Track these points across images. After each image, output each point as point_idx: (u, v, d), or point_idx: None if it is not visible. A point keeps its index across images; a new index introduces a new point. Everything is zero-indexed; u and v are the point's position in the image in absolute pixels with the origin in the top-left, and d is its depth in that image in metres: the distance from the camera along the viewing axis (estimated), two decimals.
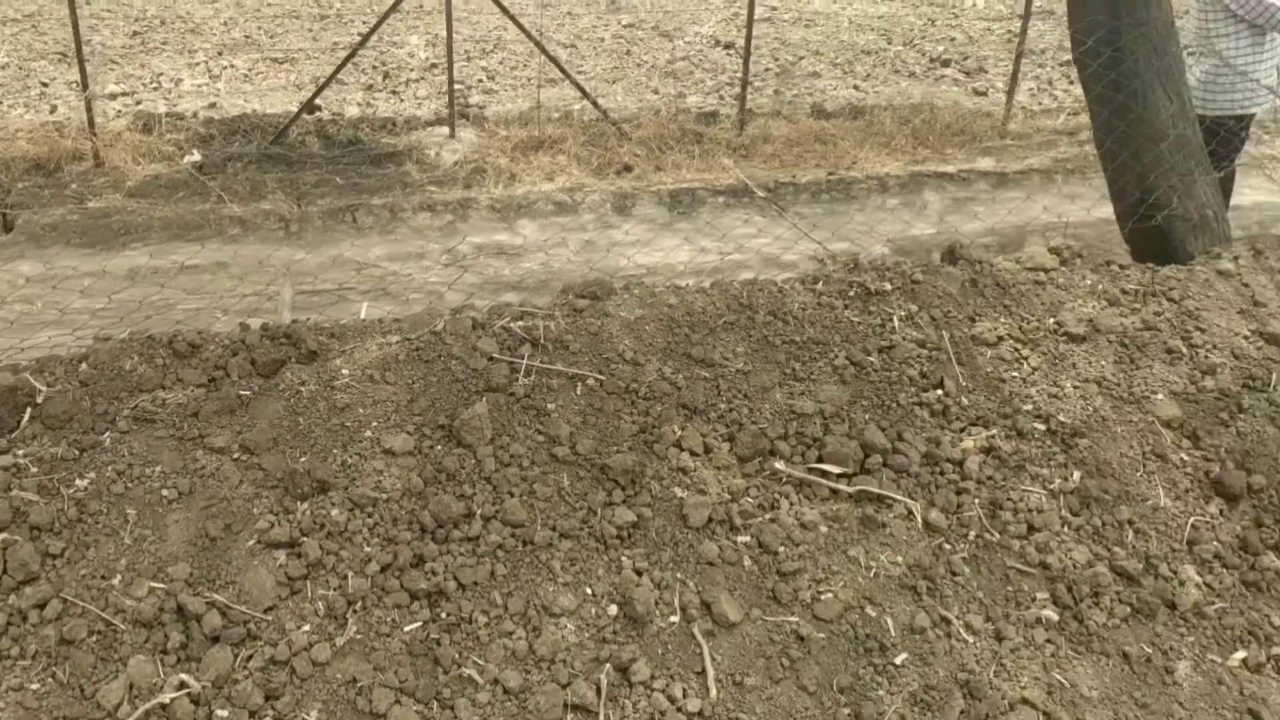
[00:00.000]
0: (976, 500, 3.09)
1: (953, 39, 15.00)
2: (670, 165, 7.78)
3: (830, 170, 7.66)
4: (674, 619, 2.67)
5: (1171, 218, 4.13)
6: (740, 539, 2.86)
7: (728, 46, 13.24)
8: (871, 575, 2.85)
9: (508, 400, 3.03)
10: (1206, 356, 3.59)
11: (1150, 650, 2.86)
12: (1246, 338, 3.69)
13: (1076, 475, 3.21)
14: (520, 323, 3.27)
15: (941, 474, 3.14)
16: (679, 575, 2.76)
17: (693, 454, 3.03)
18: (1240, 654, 2.93)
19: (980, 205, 7.08)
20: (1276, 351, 3.66)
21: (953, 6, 19.26)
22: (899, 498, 3.02)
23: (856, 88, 11.46)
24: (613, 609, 2.66)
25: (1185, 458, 3.34)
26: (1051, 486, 3.17)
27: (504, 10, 8.22)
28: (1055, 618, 2.87)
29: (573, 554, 2.75)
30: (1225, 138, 4.73)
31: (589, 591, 2.70)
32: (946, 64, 12.82)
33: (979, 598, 2.88)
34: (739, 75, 11.27)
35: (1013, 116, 8.79)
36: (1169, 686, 2.81)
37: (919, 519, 2.99)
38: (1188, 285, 3.84)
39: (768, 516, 2.94)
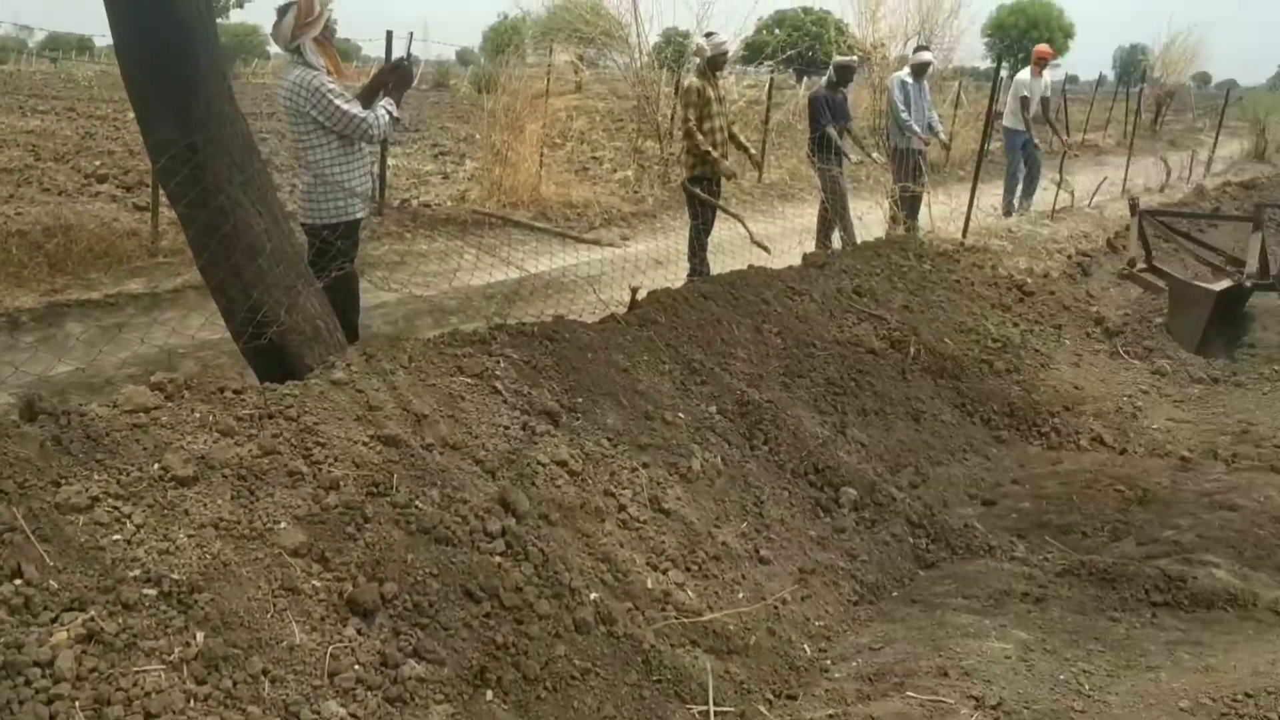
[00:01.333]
0: (77, 703, 2.58)
1: (112, 152, 14.22)
2: None
3: None
4: None
5: (284, 332, 4.05)
6: None
7: None
8: None
9: None
10: (329, 471, 3.52)
11: None
12: (366, 444, 3.71)
13: (200, 637, 2.86)
14: None
15: (28, 684, 2.57)
16: None
17: None
18: None
19: (134, 331, 6.53)
20: (395, 453, 3.73)
21: (115, 119, 18.37)
22: None
23: None
24: None
25: (318, 584, 3.20)
26: (171, 658, 2.78)
27: None
28: None
29: None
30: (322, 248, 4.81)
31: None
32: (104, 180, 12.04)
33: None
34: None
35: (164, 234, 8.37)
36: None
37: None
38: (304, 400, 3.76)
39: None
